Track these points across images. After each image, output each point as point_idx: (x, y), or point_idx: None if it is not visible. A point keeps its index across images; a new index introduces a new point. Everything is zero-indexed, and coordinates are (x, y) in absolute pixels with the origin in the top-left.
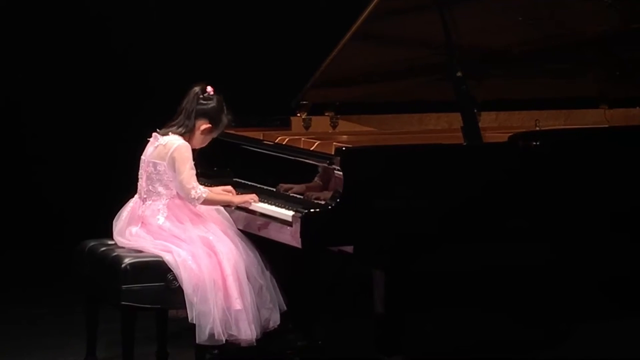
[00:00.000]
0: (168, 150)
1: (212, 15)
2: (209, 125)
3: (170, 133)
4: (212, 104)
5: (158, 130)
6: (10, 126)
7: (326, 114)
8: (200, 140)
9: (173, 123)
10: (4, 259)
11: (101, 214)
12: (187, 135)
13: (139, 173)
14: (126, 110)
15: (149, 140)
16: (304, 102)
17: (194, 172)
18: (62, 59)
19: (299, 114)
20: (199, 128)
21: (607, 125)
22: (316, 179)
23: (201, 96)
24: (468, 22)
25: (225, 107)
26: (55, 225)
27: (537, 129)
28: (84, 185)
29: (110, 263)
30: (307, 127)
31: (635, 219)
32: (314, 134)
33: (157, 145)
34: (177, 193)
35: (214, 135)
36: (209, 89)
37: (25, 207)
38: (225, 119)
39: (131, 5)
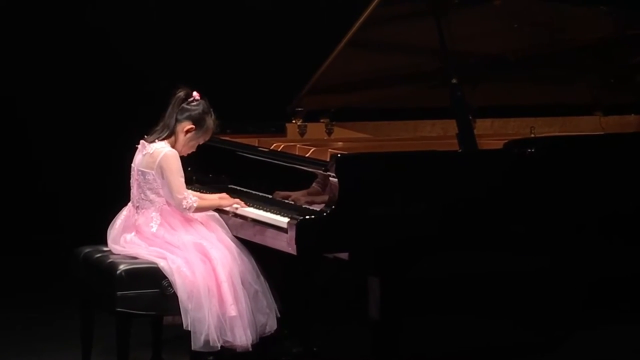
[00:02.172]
0: (155, 159)
1: (208, 22)
2: (192, 126)
3: (156, 140)
4: (197, 108)
5: (145, 137)
6: (8, 129)
7: (321, 120)
8: (186, 144)
9: (156, 128)
10: None
11: (97, 219)
12: (171, 139)
13: (131, 181)
14: (123, 115)
15: (137, 148)
16: (300, 109)
17: (183, 180)
18: (57, 62)
19: (294, 121)
20: (182, 130)
21: (602, 133)
22: (312, 185)
23: (186, 101)
24: (463, 28)
25: (211, 111)
26: (51, 230)
27: (532, 136)
28: (81, 190)
29: (105, 269)
30: (302, 134)
31: (630, 225)
32: (310, 141)
33: (145, 154)
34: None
35: (200, 139)
36: (195, 94)
37: (21, 211)
38: (210, 121)
39: (129, 10)
